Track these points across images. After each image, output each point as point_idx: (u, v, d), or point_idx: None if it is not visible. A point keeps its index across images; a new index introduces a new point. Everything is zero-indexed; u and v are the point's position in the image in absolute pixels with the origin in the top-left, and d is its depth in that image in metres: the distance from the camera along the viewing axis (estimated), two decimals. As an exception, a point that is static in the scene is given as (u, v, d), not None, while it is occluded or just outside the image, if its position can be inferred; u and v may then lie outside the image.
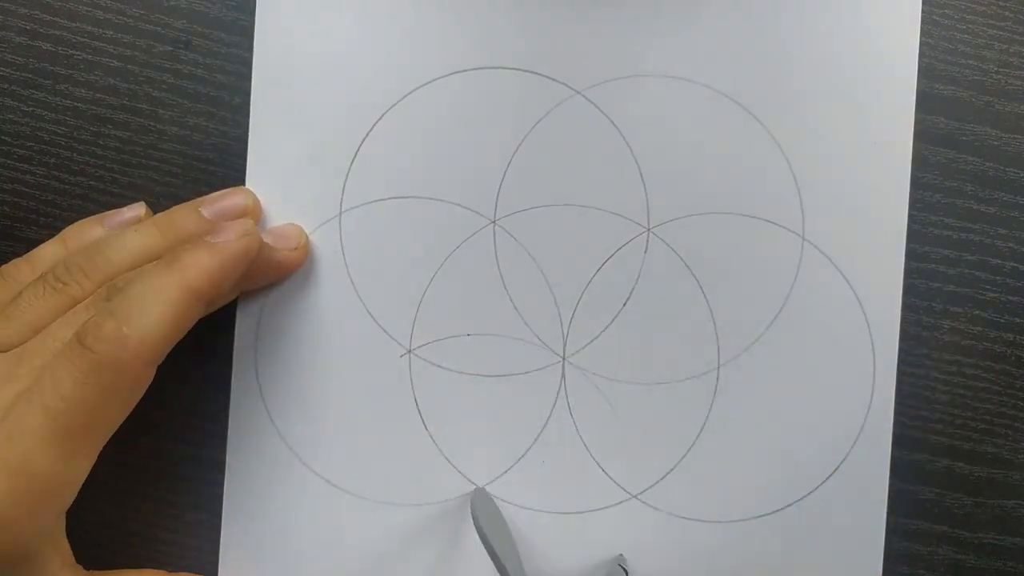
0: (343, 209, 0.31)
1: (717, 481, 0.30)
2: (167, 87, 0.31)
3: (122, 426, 0.25)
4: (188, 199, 0.31)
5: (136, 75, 0.31)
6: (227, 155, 0.31)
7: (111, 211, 0.30)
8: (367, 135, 0.31)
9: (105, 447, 0.25)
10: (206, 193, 0.30)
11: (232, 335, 0.31)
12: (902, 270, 0.31)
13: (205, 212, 0.29)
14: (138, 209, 0.30)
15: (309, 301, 0.31)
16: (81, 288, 0.26)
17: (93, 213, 0.31)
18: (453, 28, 0.31)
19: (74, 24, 0.31)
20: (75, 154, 0.31)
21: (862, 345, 0.30)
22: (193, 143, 0.31)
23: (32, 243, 0.31)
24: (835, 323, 0.30)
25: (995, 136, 0.31)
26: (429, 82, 0.31)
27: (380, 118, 0.31)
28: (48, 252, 0.29)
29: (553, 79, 0.31)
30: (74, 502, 0.25)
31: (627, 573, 0.29)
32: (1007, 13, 0.31)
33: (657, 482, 0.30)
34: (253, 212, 0.30)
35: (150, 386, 0.25)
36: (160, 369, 0.25)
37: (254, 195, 0.30)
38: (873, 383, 0.30)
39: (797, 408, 0.30)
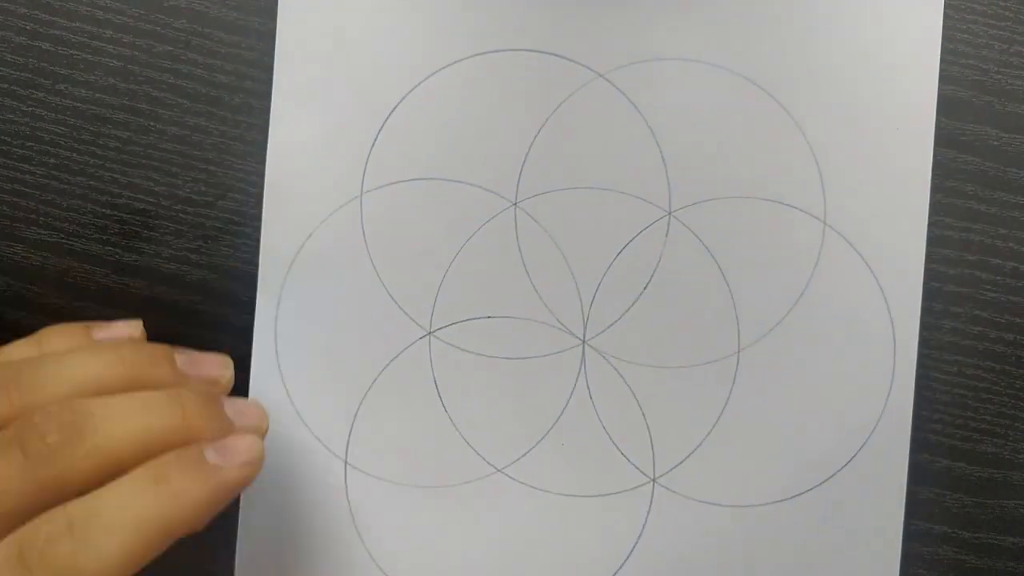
0: (364, 190, 0.31)
1: (736, 466, 0.30)
2: (167, 87, 0.31)
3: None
4: (188, 199, 0.31)
5: (136, 75, 0.31)
6: (227, 155, 0.31)
7: (101, 322, 0.26)
8: (389, 116, 0.31)
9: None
10: (206, 192, 0.30)
11: (252, 317, 0.31)
12: (923, 256, 0.30)
13: (180, 361, 0.24)
14: (134, 329, 0.26)
15: (329, 282, 0.31)
16: None
17: (93, 213, 0.31)
18: (475, 9, 0.31)
19: (74, 24, 0.31)
20: (75, 154, 0.31)
21: (882, 330, 0.30)
22: (193, 143, 0.31)
23: (31, 243, 0.31)
24: (856, 308, 0.30)
25: (995, 136, 0.31)
26: (451, 64, 0.31)
27: (402, 99, 0.31)
28: (17, 353, 0.24)
29: (575, 62, 0.31)
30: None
31: None
32: (1007, 13, 0.31)
33: (676, 466, 0.30)
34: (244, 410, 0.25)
35: None
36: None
37: (231, 371, 0.26)
38: (893, 369, 0.30)
39: (817, 394, 0.30)
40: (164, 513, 0.20)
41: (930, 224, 0.31)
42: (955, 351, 0.31)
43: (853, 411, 0.30)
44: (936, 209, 0.31)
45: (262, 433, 0.24)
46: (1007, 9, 0.31)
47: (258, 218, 0.31)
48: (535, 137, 0.31)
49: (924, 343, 0.31)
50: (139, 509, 0.20)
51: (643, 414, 0.30)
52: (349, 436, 0.31)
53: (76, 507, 0.19)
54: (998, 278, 0.31)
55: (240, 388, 0.31)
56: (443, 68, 0.31)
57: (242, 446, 0.22)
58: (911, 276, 0.30)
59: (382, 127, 0.31)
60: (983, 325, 0.31)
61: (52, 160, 0.31)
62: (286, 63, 0.31)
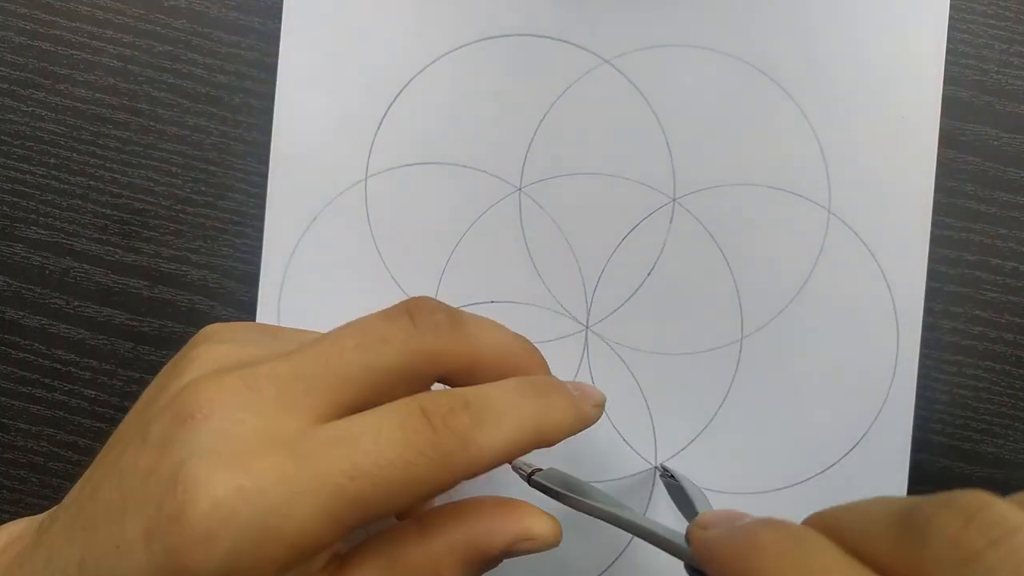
0: (369, 174, 0.31)
1: (738, 452, 0.30)
2: (167, 87, 0.31)
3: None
4: (188, 199, 0.31)
5: (136, 75, 0.31)
6: (227, 155, 0.31)
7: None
8: (394, 100, 0.31)
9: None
10: (206, 192, 0.30)
11: (252, 317, 0.31)
12: (927, 244, 0.31)
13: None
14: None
15: (333, 266, 0.31)
16: (432, 339, 0.21)
17: (93, 213, 0.31)
18: None
19: (74, 24, 0.31)
20: (75, 154, 0.31)
21: (886, 318, 0.30)
22: (193, 143, 0.31)
23: (32, 243, 0.31)
24: (859, 296, 0.30)
25: (995, 136, 0.31)
26: (457, 48, 0.31)
27: (408, 83, 0.31)
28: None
29: (582, 47, 0.31)
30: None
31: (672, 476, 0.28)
32: (1007, 13, 0.31)
33: (679, 452, 0.30)
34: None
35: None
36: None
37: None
38: (896, 356, 0.30)
39: (819, 381, 0.30)
40: (539, 422, 0.21)
41: (930, 224, 0.31)
42: (955, 351, 0.31)
43: (856, 398, 0.30)
44: (936, 209, 0.31)
45: (602, 402, 0.25)
46: (1008, 9, 0.31)
47: (258, 218, 0.31)
48: (540, 122, 0.31)
49: (924, 343, 0.31)
50: (522, 409, 0.21)
51: (646, 401, 0.31)
52: None
53: (471, 392, 0.21)
54: (998, 278, 0.31)
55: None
56: (449, 52, 0.31)
57: (593, 392, 0.24)
58: (915, 263, 0.31)
59: (388, 110, 0.31)
60: (983, 325, 0.31)
61: (52, 160, 0.31)
62: (292, 45, 0.31)
